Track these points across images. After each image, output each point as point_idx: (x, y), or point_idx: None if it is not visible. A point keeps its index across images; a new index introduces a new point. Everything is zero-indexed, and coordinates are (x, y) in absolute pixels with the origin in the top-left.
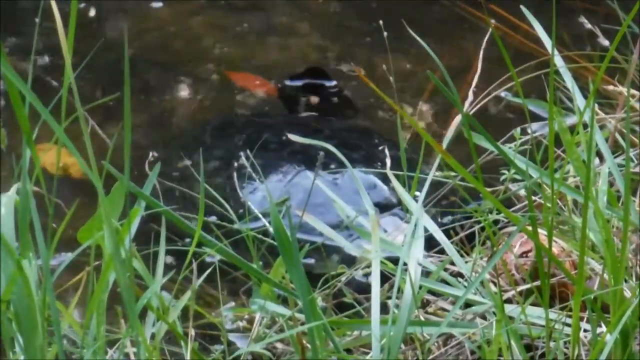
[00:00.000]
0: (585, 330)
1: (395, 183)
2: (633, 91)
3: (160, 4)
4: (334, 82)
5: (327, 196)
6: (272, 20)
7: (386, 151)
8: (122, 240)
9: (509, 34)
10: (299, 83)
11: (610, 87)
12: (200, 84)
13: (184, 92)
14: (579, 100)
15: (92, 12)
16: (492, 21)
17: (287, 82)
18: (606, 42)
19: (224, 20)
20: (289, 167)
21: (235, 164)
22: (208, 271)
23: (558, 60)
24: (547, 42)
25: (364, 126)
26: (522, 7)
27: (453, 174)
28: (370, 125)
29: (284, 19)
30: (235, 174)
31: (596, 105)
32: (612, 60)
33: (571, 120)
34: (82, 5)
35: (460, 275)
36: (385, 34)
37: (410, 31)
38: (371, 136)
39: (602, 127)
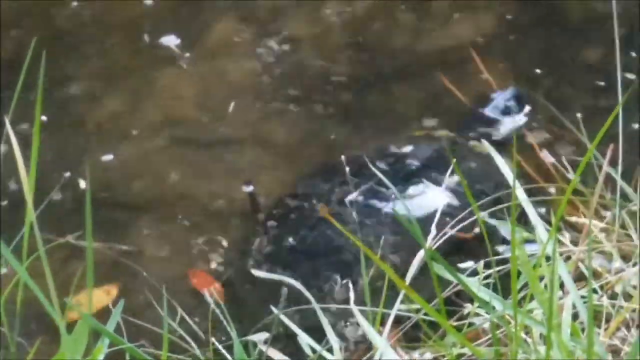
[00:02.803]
0: None
1: (360, 318)
2: (596, 222)
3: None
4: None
5: None
6: (242, 158)
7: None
8: None
9: None
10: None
11: (574, 219)
12: (164, 228)
13: (147, 234)
14: (542, 234)
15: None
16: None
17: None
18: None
19: (190, 159)
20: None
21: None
22: None
23: (520, 193)
24: (509, 176)
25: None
26: (484, 141)
27: (416, 307)
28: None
29: (253, 156)
30: None
31: (565, 236)
32: (579, 193)
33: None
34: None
35: None
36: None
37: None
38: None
39: (567, 259)
